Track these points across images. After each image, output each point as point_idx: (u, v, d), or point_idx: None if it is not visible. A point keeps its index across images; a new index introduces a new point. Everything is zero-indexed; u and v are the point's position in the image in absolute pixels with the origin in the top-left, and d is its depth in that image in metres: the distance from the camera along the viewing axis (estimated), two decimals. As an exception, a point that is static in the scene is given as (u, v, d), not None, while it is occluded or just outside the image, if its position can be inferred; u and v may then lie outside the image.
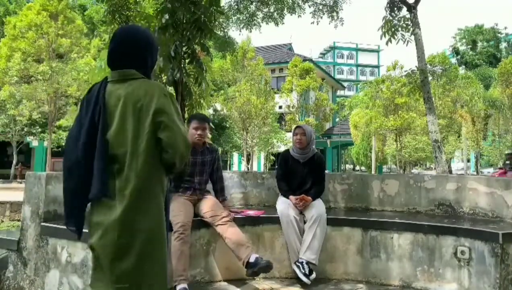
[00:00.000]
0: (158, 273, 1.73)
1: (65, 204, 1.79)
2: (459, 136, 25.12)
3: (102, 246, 1.69)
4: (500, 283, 2.82)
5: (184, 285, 2.84)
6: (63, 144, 20.26)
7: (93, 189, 1.69)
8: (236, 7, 10.60)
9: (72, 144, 1.76)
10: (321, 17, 10.60)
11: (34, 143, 22.03)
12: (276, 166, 3.88)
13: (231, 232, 3.04)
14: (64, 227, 2.61)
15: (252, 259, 2.91)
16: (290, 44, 34.69)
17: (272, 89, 21.87)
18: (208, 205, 3.26)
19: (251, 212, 3.58)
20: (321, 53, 65.16)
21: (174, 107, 1.76)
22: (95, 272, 1.76)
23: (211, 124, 3.55)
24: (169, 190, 3.24)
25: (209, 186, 3.56)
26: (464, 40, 47.48)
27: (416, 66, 8.34)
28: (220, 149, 20.93)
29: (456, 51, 47.00)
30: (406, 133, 20.56)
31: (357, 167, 38.76)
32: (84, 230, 1.81)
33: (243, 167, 22.80)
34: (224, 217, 3.13)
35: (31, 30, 16.54)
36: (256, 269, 2.91)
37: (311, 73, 22.50)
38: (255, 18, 10.91)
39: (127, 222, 1.67)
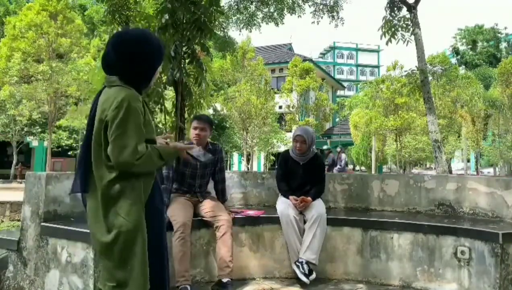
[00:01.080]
0: (140, 273, 1.78)
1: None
2: (459, 136, 25.12)
3: (94, 247, 1.87)
4: (500, 283, 2.82)
5: (187, 286, 2.88)
6: (63, 144, 20.42)
7: (73, 185, 1.88)
8: (236, 7, 10.60)
9: None
10: (321, 17, 10.61)
11: (34, 143, 22.02)
12: (276, 166, 3.88)
13: (222, 244, 3.06)
14: (64, 227, 2.64)
15: (224, 280, 2.99)
16: (290, 44, 34.69)
17: (272, 89, 21.86)
18: (208, 205, 3.26)
19: (251, 212, 3.58)
20: (321, 53, 65.12)
21: (124, 117, 1.73)
22: (100, 271, 1.92)
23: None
24: (170, 191, 3.26)
25: (210, 186, 3.55)
26: (464, 40, 47.44)
27: (416, 66, 8.35)
28: (220, 149, 20.78)
29: (456, 51, 46.96)
30: (406, 133, 20.55)
31: (357, 167, 38.76)
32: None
33: (243, 167, 22.79)
34: (223, 222, 3.12)
35: (31, 30, 16.53)
36: None
37: (311, 73, 22.49)
38: (255, 18, 10.91)
39: (102, 224, 1.77)
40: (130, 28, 5.54)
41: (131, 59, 1.83)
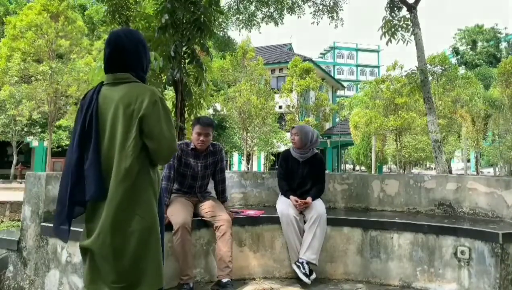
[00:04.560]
0: (153, 271, 1.76)
1: (58, 204, 1.82)
2: (459, 136, 25.11)
3: (98, 248, 1.73)
4: (500, 283, 2.82)
5: (189, 283, 2.91)
6: (63, 144, 20.42)
7: (89, 190, 1.73)
8: (235, 7, 10.61)
9: (69, 149, 1.83)
10: (321, 18, 10.60)
11: (34, 143, 22.02)
12: (277, 166, 3.90)
13: (222, 244, 3.06)
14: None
15: (224, 280, 2.98)
16: (290, 44, 34.70)
17: (272, 89, 21.86)
18: (208, 205, 3.26)
19: (251, 212, 3.58)
20: (321, 53, 65.14)
21: (163, 112, 1.78)
22: (90, 273, 1.78)
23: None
24: (171, 191, 3.25)
25: (210, 186, 3.55)
26: (464, 40, 47.47)
27: (416, 66, 8.35)
28: (220, 149, 20.77)
29: (456, 51, 46.99)
30: (406, 133, 20.54)
31: (357, 167, 38.76)
32: (73, 229, 1.85)
33: (243, 167, 22.80)
34: (223, 221, 3.12)
35: (30, 30, 16.52)
36: None
37: (311, 73, 22.50)
38: (255, 18, 10.92)
39: (119, 224, 1.71)
40: (131, 28, 5.54)
41: (144, 53, 1.89)
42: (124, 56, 1.83)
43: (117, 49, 1.83)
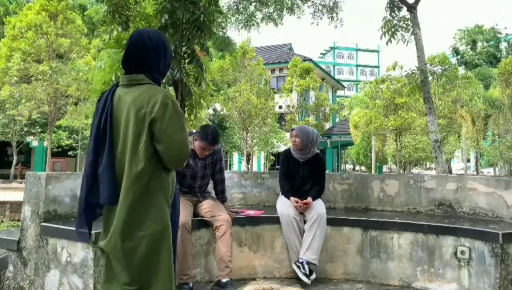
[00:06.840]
0: (164, 274, 1.76)
1: (78, 207, 1.85)
2: (459, 136, 25.12)
3: (111, 250, 1.75)
4: (500, 283, 2.82)
5: (188, 282, 2.91)
6: (63, 144, 20.42)
7: (103, 195, 1.74)
8: (235, 7, 10.60)
9: (87, 151, 1.84)
10: (321, 18, 10.60)
11: (34, 143, 22.00)
12: (277, 166, 3.90)
13: (222, 244, 3.06)
14: (64, 227, 2.63)
15: (224, 280, 2.98)
16: (290, 44, 34.73)
17: (272, 89, 21.85)
18: (208, 205, 3.26)
19: (251, 212, 3.58)
20: (321, 53, 65.15)
21: (175, 116, 1.74)
22: (105, 272, 1.81)
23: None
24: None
25: (210, 186, 3.55)
26: (464, 40, 47.47)
27: (416, 66, 8.34)
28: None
29: (456, 51, 46.99)
30: (406, 133, 20.54)
31: (357, 167, 38.76)
32: (83, 230, 1.87)
33: (243, 167, 22.80)
34: (222, 221, 3.12)
35: (30, 30, 16.51)
36: None
37: (311, 73, 22.50)
38: (254, 18, 10.91)
39: (130, 228, 1.71)
40: (131, 28, 5.54)
41: (164, 55, 1.87)
42: (143, 56, 1.81)
43: (137, 49, 1.82)
